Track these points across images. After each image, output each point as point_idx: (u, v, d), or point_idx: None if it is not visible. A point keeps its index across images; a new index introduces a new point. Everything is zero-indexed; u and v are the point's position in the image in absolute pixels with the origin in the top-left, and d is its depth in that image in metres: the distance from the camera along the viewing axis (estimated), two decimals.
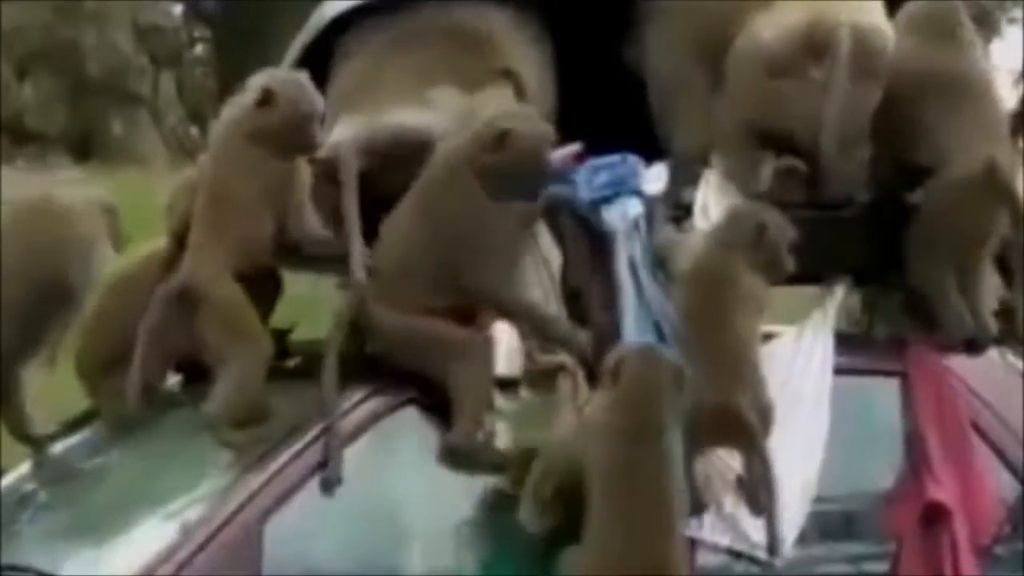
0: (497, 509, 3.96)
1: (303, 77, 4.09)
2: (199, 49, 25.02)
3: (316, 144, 4.09)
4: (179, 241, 4.16)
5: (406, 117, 4.25)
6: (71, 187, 4.63)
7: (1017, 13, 20.87)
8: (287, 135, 4.02)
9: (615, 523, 3.71)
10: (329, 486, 3.83)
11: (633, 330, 4.04)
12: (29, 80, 22.37)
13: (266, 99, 4.02)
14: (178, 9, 24.51)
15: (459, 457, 3.92)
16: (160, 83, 23.80)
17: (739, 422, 3.92)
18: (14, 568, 3.94)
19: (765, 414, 3.96)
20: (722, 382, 3.88)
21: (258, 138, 4.02)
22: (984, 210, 4.27)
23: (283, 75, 4.16)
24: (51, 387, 4.44)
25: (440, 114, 4.27)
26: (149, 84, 23.61)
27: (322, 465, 3.83)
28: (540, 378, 4.10)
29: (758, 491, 3.96)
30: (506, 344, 4.18)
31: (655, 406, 3.76)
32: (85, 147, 22.01)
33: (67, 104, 22.46)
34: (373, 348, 4.02)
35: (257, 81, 4.07)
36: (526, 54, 4.50)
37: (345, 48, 4.50)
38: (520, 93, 4.41)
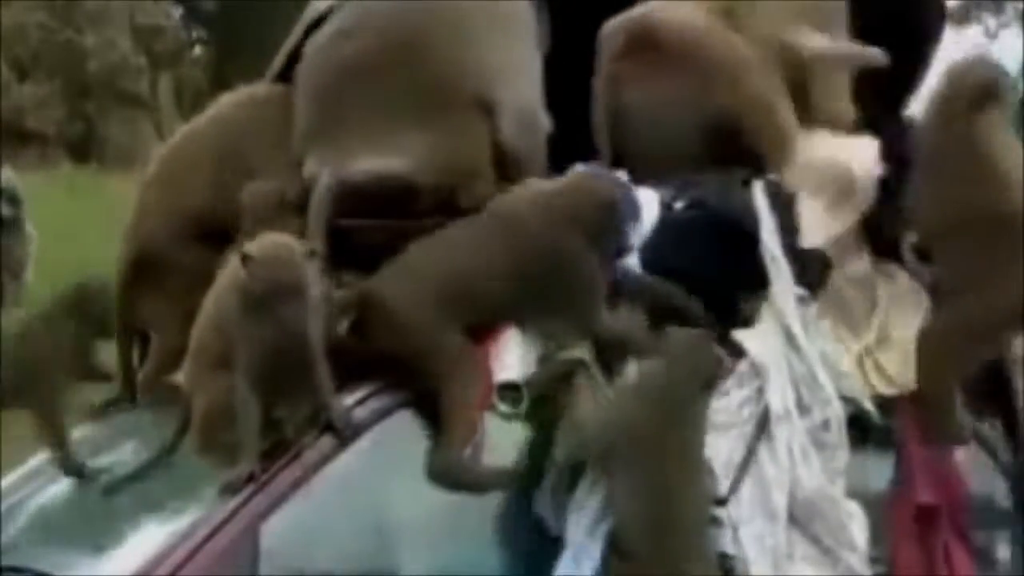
0: (496, 510, 3.98)
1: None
2: (197, 50, 25.05)
3: None
4: None
5: (375, 163, 4.14)
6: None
7: (1011, 16, 20.89)
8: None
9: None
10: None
11: None
12: (29, 80, 22.39)
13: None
14: (177, 10, 24.54)
15: (445, 475, 3.91)
16: (159, 84, 23.82)
17: None
18: (13, 570, 3.95)
19: None
20: None
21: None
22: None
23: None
24: None
25: (408, 159, 4.15)
26: (147, 85, 23.64)
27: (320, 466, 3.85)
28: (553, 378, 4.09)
29: None
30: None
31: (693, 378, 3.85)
32: (84, 148, 22.04)
33: (66, 105, 22.50)
34: (375, 344, 4.01)
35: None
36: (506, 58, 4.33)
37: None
38: (491, 114, 4.24)
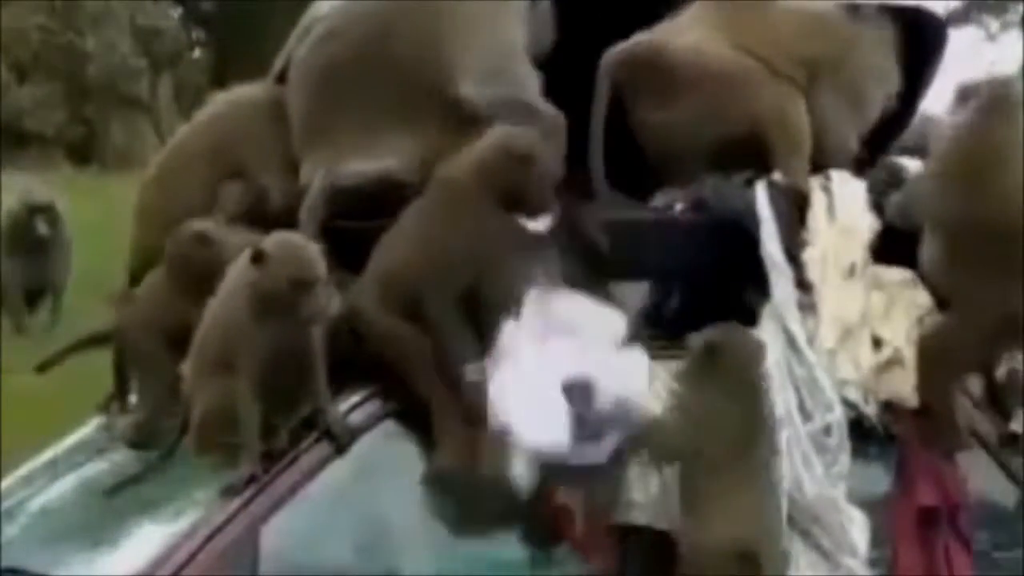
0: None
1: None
2: (197, 51, 25.05)
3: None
4: None
5: (365, 166, 4.14)
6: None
7: (1013, 17, 20.88)
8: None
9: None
10: None
11: None
12: (29, 82, 22.41)
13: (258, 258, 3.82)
14: (177, 11, 24.54)
15: (442, 479, 3.90)
16: (159, 85, 23.82)
17: None
18: (12, 570, 3.95)
19: None
20: None
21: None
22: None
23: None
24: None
25: (397, 158, 4.15)
26: (147, 86, 23.64)
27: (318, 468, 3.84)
28: None
29: None
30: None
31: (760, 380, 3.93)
32: (84, 150, 22.05)
33: (66, 107, 22.50)
34: (368, 351, 4.01)
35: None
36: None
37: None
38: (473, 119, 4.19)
